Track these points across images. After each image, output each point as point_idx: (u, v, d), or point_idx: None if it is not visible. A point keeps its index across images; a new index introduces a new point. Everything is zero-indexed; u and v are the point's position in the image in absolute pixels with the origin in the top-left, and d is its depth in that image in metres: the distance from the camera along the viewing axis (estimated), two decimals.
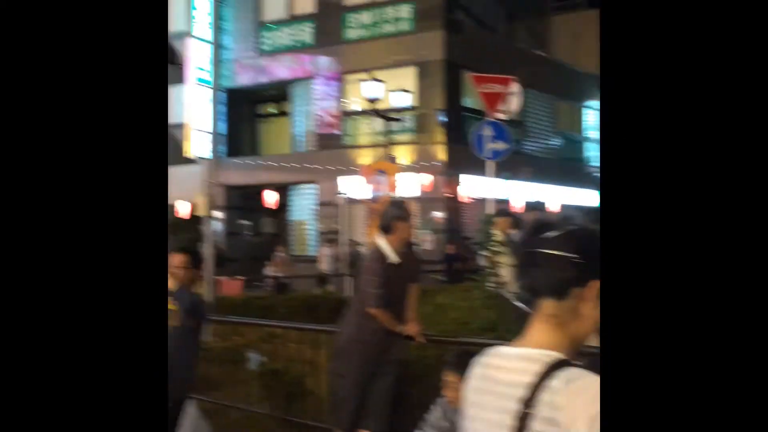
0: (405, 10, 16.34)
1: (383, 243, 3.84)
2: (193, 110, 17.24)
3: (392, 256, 3.81)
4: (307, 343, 5.05)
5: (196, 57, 17.50)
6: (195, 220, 16.24)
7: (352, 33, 17.01)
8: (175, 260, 3.62)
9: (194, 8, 17.48)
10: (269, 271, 15.29)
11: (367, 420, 3.82)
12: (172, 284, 3.46)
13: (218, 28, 15.91)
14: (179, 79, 18.49)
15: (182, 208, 17.75)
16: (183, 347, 3.52)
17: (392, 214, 3.88)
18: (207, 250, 9.59)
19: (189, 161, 18.13)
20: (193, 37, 17.46)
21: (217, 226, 11.64)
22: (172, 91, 18.65)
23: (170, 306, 3.56)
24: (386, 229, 3.85)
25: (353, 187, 15.48)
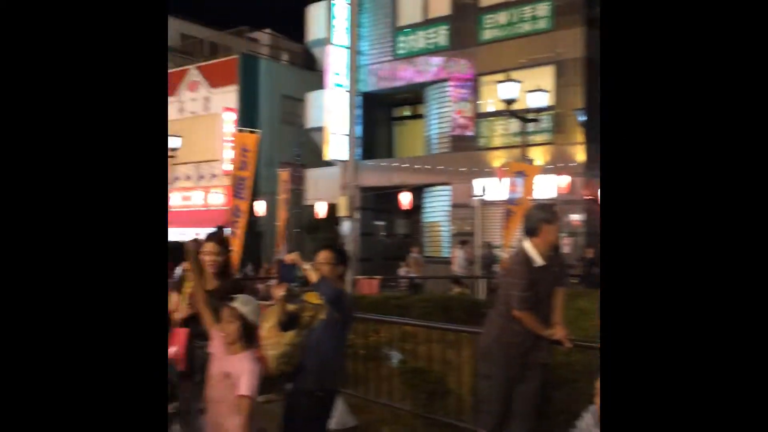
0: (543, 8, 15.98)
1: (528, 246, 3.80)
2: (331, 114, 17.91)
3: (538, 259, 3.76)
4: (443, 343, 5.09)
5: (335, 63, 18.15)
6: (332, 220, 16.83)
7: (487, 33, 16.87)
8: (320, 257, 3.77)
9: (333, 17, 18.13)
10: (402, 271, 15.52)
11: (512, 423, 3.80)
12: (314, 277, 3.59)
13: (355, 34, 16.38)
14: (319, 85, 19.29)
15: (320, 209, 18.45)
16: (330, 339, 3.65)
17: (538, 217, 3.83)
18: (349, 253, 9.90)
19: (327, 164, 18.84)
20: (332, 44, 18.13)
21: (353, 227, 11.98)
22: (312, 97, 19.34)
23: (315, 299, 3.71)
24: (531, 232, 3.80)
25: (488, 188, 15.36)
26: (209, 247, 3.85)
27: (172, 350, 3.55)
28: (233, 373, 3.15)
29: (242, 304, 3.25)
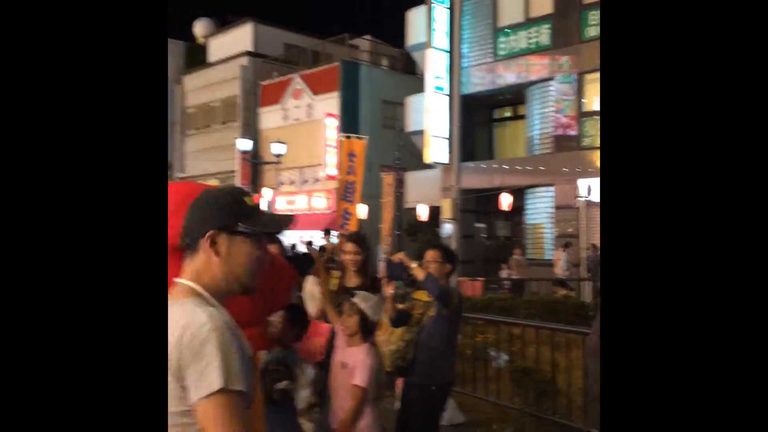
0: None
1: None
2: (431, 117, 18.04)
3: None
4: (551, 344, 5.08)
5: (434, 66, 18.27)
6: (433, 223, 16.95)
7: (592, 31, 16.46)
8: (428, 255, 3.91)
9: (433, 20, 18.26)
10: (504, 273, 15.41)
11: None
12: (421, 275, 3.72)
13: (456, 36, 16.42)
14: (418, 89, 19.47)
15: (421, 212, 18.61)
16: (440, 335, 3.77)
17: None
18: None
19: (426, 167, 18.99)
20: (432, 47, 18.26)
21: (455, 229, 12.04)
22: (412, 100, 19.48)
23: (424, 297, 3.84)
24: None
25: (593, 189, 14.97)
26: (349, 246, 4.05)
27: (315, 342, 3.77)
28: (350, 364, 3.34)
29: (362, 299, 3.43)
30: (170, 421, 1.41)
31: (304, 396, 3.27)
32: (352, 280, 4.00)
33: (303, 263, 5.09)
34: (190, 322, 1.43)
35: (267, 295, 2.36)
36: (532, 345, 5.36)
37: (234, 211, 1.58)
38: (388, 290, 3.81)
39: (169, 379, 1.40)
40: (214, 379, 1.38)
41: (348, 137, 10.65)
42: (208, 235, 1.56)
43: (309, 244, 12.82)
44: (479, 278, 13.80)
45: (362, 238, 4.18)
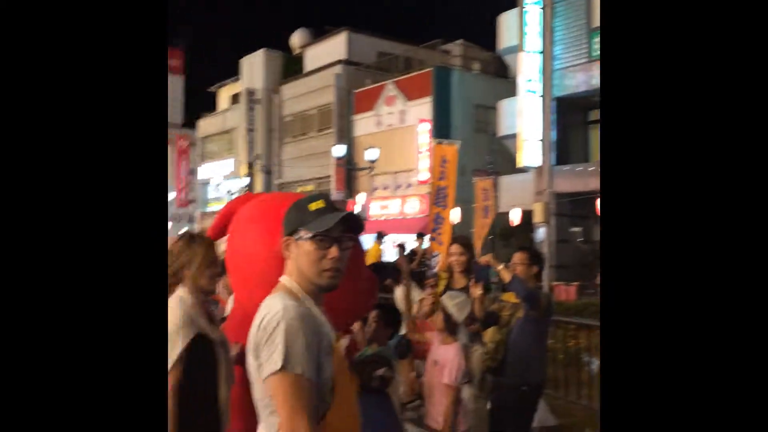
0: None
1: None
2: (524, 121, 17.89)
3: None
4: None
5: (527, 69, 18.11)
6: (526, 227, 16.80)
7: None
8: (515, 257, 4.02)
9: (525, 23, 18.12)
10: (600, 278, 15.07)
11: None
12: (507, 277, 3.82)
13: (549, 38, 16.22)
14: (511, 93, 19.36)
15: (515, 216, 18.48)
16: (529, 335, 3.88)
17: None
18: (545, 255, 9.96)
19: (520, 170, 18.83)
20: (524, 50, 18.12)
21: (548, 233, 11.94)
22: (504, 104, 19.27)
23: (513, 298, 3.95)
24: None
25: None
26: (455, 248, 4.24)
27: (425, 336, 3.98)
28: (440, 362, 3.52)
29: (449, 298, 3.61)
30: (258, 395, 1.73)
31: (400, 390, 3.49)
32: (459, 282, 4.18)
33: (386, 271, 5.30)
34: (270, 310, 1.72)
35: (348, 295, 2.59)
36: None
37: (296, 219, 1.85)
38: (476, 291, 3.94)
39: (250, 356, 1.72)
40: (277, 360, 1.65)
41: (440, 143, 10.79)
42: (283, 241, 1.86)
43: (401, 246, 13.04)
44: (573, 283, 13.58)
45: (467, 241, 4.36)
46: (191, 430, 2.33)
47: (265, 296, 1.85)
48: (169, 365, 2.28)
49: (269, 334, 1.68)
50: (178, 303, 2.51)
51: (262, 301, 1.85)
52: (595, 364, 5.60)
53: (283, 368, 1.64)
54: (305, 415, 1.62)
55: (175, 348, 2.35)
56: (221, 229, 3.48)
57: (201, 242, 2.76)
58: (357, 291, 2.81)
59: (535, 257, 4.08)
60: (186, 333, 2.41)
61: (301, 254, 1.82)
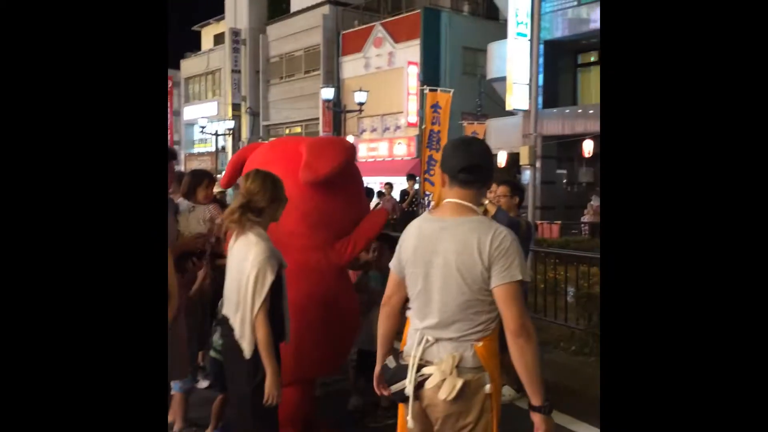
0: None
1: None
2: (514, 64, 17.90)
3: None
4: None
5: (517, 11, 18.01)
6: (514, 169, 17.05)
7: None
8: (498, 190, 4.30)
9: None
10: (585, 218, 15.47)
11: None
12: (492, 210, 4.08)
13: None
14: (501, 35, 19.28)
15: (501, 158, 18.71)
16: None
17: None
18: (527, 195, 10.24)
19: (509, 114, 18.94)
20: None
21: (534, 175, 12.19)
22: (494, 47, 19.10)
23: None
24: None
25: None
26: (503, 190, 4.42)
27: None
28: None
29: None
30: (469, 297, 2.08)
31: None
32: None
33: None
34: (497, 230, 2.10)
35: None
36: (596, 277, 5.77)
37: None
38: None
39: (481, 269, 2.06)
40: (515, 273, 2.06)
41: (434, 90, 10.92)
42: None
43: (389, 185, 13.35)
44: (556, 222, 13.96)
45: (515, 183, 4.60)
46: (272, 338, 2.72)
47: (293, 223, 2.21)
48: (264, 292, 2.67)
49: (506, 249, 2.07)
50: (260, 237, 2.75)
51: (290, 227, 2.23)
52: (571, 292, 5.95)
53: (521, 278, 2.07)
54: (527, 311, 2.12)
55: (268, 277, 2.68)
56: (234, 177, 3.72)
57: (276, 180, 2.88)
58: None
59: (515, 189, 4.36)
60: (273, 264, 2.71)
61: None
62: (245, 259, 2.71)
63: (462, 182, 2.18)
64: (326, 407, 4.18)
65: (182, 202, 4.11)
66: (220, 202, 5.28)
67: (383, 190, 13.28)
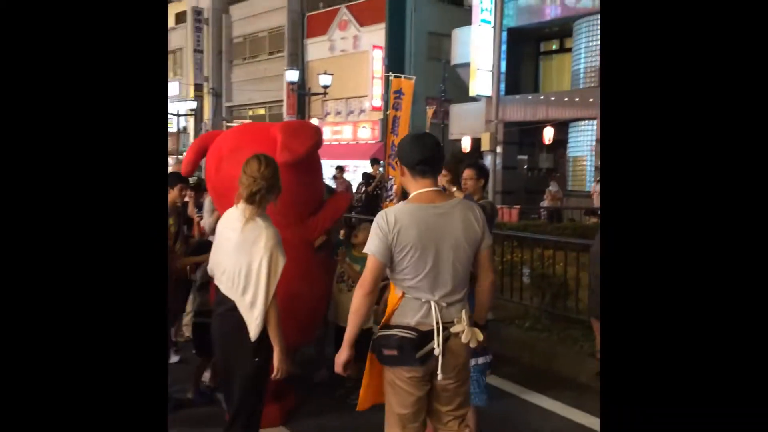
0: None
1: None
2: (477, 50, 18.13)
3: None
4: (573, 264, 5.75)
5: None
6: (476, 154, 17.35)
7: None
8: (465, 174, 4.47)
9: None
10: (543, 203, 15.92)
11: None
12: (460, 196, 4.28)
13: None
14: (465, 21, 19.48)
15: (465, 143, 19.00)
16: None
17: None
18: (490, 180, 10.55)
19: (472, 99, 19.20)
20: None
21: (495, 160, 12.50)
22: (458, 33, 19.24)
23: None
24: None
25: None
26: (468, 173, 4.59)
27: None
28: None
29: None
30: (470, 263, 2.52)
31: None
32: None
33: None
34: (476, 206, 2.61)
35: None
36: (550, 259, 6.11)
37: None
38: None
39: (480, 237, 2.51)
40: (491, 238, 2.61)
41: (398, 77, 11.06)
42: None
43: (340, 169, 13.69)
44: (516, 206, 14.32)
45: (481, 166, 4.78)
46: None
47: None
48: (277, 277, 2.81)
49: (485, 220, 2.56)
50: (268, 222, 2.84)
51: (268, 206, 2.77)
52: (527, 273, 6.28)
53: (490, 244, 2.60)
54: None
55: (280, 262, 2.80)
56: (196, 163, 3.86)
57: (276, 166, 2.93)
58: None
59: (481, 171, 4.57)
60: (283, 250, 2.83)
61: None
62: (255, 244, 2.76)
63: (421, 173, 2.50)
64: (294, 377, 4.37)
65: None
66: (198, 186, 5.47)
67: (335, 174, 13.73)
